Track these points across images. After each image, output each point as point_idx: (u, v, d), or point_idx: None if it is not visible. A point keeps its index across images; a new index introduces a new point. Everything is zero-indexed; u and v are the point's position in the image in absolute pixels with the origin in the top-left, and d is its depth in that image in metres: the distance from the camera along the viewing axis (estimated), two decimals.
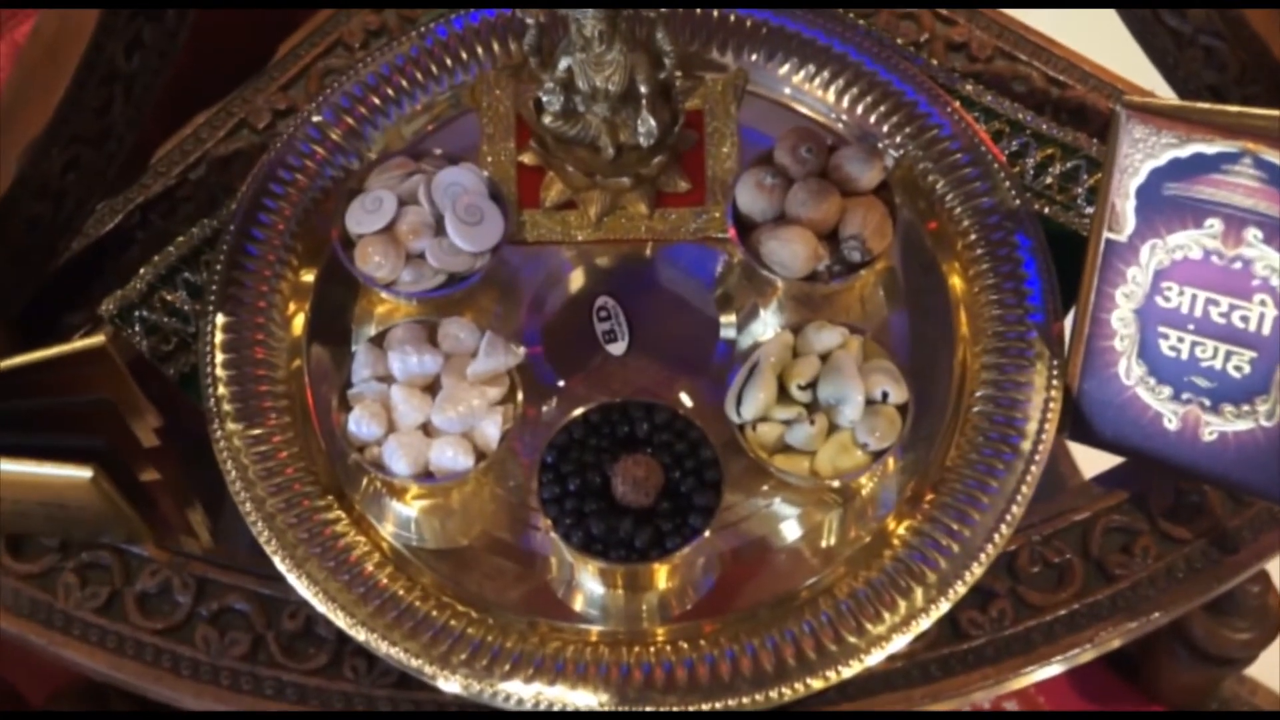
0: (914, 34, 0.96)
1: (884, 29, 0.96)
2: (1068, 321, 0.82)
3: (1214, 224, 0.74)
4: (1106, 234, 0.77)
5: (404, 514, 0.82)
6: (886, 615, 0.76)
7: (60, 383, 0.75)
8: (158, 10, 0.80)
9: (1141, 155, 0.74)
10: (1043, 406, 0.81)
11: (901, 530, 0.79)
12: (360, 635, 0.75)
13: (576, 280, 0.89)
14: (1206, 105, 0.74)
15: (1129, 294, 0.77)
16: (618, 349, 0.86)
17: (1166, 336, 0.77)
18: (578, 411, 0.79)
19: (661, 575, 0.79)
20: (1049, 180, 0.91)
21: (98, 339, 0.73)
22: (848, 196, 0.84)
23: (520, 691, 0.74)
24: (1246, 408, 0.76)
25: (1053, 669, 0.79)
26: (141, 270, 0.88)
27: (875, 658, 0.75)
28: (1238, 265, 0.74)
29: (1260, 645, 1.14)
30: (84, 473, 0.71)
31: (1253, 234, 0.73)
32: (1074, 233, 0.89)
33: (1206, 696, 1.26)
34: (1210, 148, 0.72)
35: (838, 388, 0.78)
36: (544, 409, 0.84)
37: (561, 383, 0.85)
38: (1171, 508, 0.81)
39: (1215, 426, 0.77)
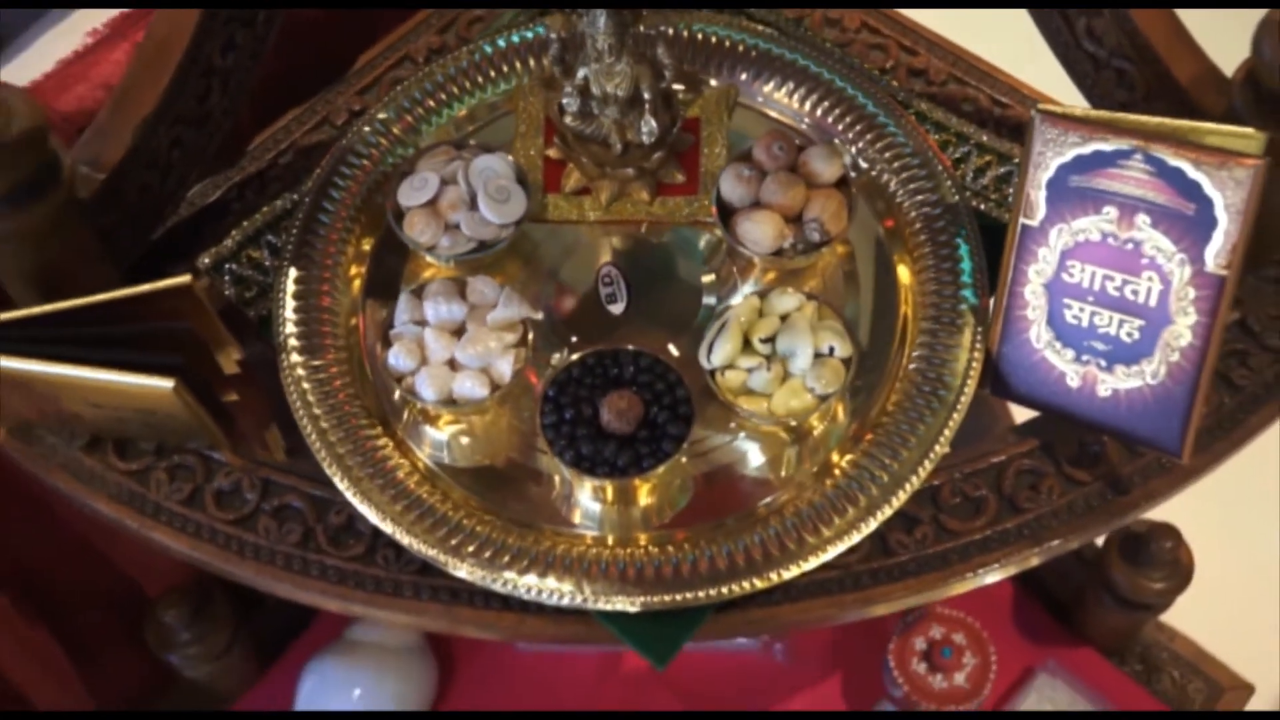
0: (881, 61, 0.97)
1: (856, 55, 0.96)
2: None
3: (1110, 211, 0.74)
4: (1022, 220, 0.77)
5: (436, 438, 0.83)
6: (825, 530, 0.76)
7: (154, 316, 0.77)
8: (249, 15, 0.82)
9: (1052, 153, 0.75)
10: (966, 365, 0.81)
11: (843, 463, 0.80)
12: (389, 529, 0.77)
13: (586, 252, 0.90)
14: (1106, 113, 0.75)
15: (1040, 271, 0.77)
16: (617, 309, 0.87)
17: (1070, 307, 0.77)
18: (576, 355, 0.80)
19: (642, 492, 0.80)
20: (986, 182, 0.91)
21: (184, 278, 0.75)
22: (812, 188, 0.84)
23: (517, 579, 0.75)
24: (1135, 368, 0.75)
25: (966, 585, 0.79)
26: (233, 232, 0.90)
27: (813, 564, 0.75)
28: (1129, 246, 0.74)
29: (1173, 593, 1.13)
30: (166, 383, 0.74)
31: (1142, 219, 0.73)
32: (1004, 225, 0.88)
33: (1129, 639, 1.25)
34: (1108, 145, 0.73)
35: (792, 342, 0.79)
36: (554, 356, 0.85)
37: (568, 334, 0.86)
38: (1074, 455, 0.81)
39: (1109, 384, 0.77)
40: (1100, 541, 1.17)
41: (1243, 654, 1.27)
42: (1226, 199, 0.70)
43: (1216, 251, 0.71)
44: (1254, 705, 1.26)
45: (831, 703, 1.24)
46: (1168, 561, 1.11)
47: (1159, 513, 1.12)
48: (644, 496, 0.80)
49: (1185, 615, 1.28)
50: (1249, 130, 0.72)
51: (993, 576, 0.79)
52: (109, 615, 1.17)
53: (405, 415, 0.84)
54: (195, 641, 1.13)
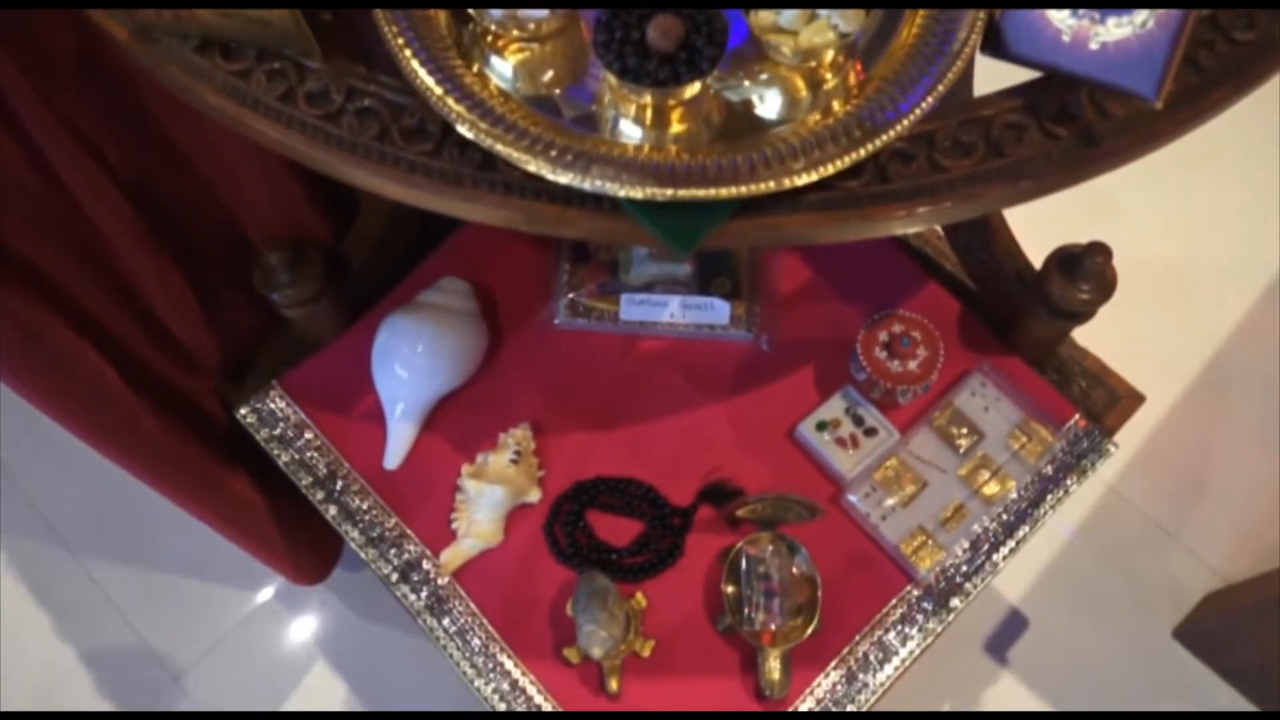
0: None
1: None
2: None
3: None
4: None
5: (505, 69, 0.72)
6: (832, 149, 0.66)
7: None
8: None
9: None
10: (971, 24, 0.69)
11: (851, 105, 0.69)
12: (455, 120, 0.67)
13: None
14: None
15: None
16: None
17: None
18: None
19: (675, 115, 0.69)
20: None
21: None
22: None
23: (564, 171, 0.65)
24: (1127, 18, 0.64)
25: (952, 213, 0.69)
26: None
27: (820, 175, 0.65)
28: None
29: (1097, 304, 1.03)
30: None
31: None
32: None
33: (1051, 352, 1.16)
34: None
35: None
36: None
37: None
38: (1055, 112, 0.69)
39: (1100, 37, 0.65)
40: (1039, 265, 1.07)
41: (1139, 373, 1.19)
42: None
43: None
44: (1142, 412, 1.17)
45: (806, 385, 1.15)
46: (1097, 274, 1.01)
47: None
48: (676, 122, 0.70)
49: (1096, 338, 1.19)
50: None
51: (973, 209, 0.69)
52: (225, 258, 1.08)
53: (479, 50, 0.72)
54: (292, 285, 1.04)
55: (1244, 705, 1.48)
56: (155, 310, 1.03)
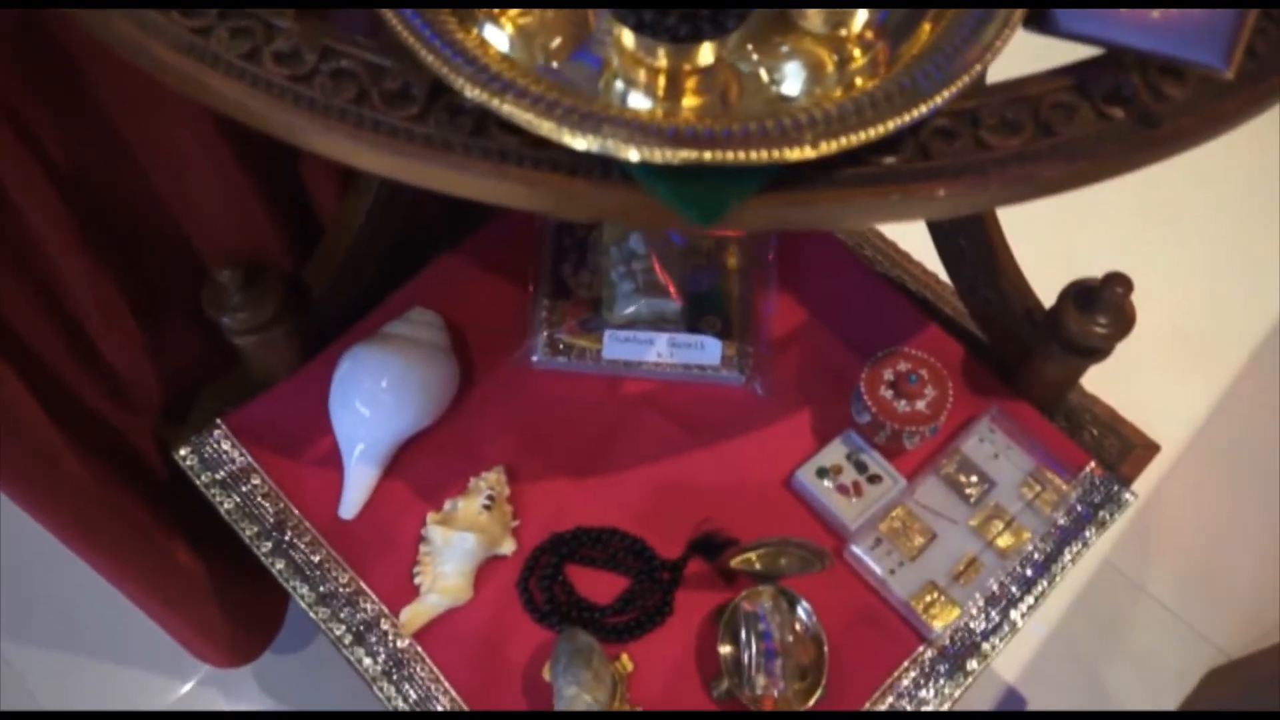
0: None
1: None
2: None
3: None
4: None
5: (502, 38, 0.64)
6: (871, 114, 0.58)
7: None
8: None
9: None
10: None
11: (889, 74, 0.61)
12: (447, 74, 0.57)
13: None
14: None
15: None
16: None
17: None
18: None
19: (690, 85, 0.61)
20: None
21: None
22: None
23: (569, 130, 0.56)
24: None
25: (1002, 196, 0.61)
26: None
27: (858, 139, 0.56)
28: None
29: (1115, 339, 0.96)
30: None
31: None
32: None
33: (1061, 397, 1.08)
34: None
35: None
36: None
37: None
38: (1108, 93, 0.63)
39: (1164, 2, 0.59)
40: (1051, 303, 1.00)
41: (1154, 421, 1.11)
42: None
43: None
44: (1158, 463, 1.10)
45: (803, 430, 1.06)
46: (1116, 306, 0.94)
47: None
48: (691, 94, 0.62)
49: (1109, 386, 1.12)
50: None
51: (1024, 192, 0.61)
52: (173, 278, 0.97)
53: (472, 20, 0.64)
54: (244, 307, 0.94)
55: None
56: (89, 330, 0.91)
